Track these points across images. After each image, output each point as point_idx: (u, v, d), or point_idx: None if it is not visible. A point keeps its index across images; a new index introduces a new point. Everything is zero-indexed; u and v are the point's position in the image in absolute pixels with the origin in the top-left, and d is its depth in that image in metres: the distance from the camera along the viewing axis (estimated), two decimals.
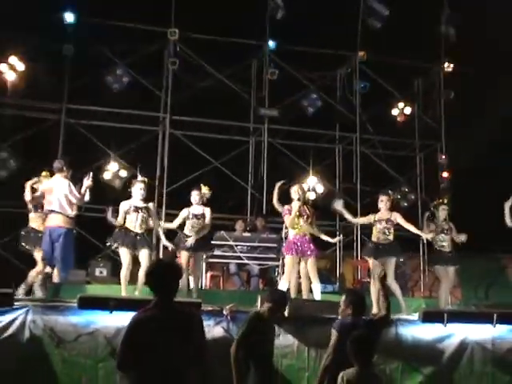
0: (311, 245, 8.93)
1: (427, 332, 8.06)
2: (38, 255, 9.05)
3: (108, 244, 8.94)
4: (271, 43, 14.00)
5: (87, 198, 8.99)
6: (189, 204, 9.45)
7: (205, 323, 7.23)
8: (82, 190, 8.82)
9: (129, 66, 13.31)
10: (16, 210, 10.31)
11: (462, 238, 9.80)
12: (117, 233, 8.63)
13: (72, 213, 8.87)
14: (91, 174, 8.84)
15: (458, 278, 10.56)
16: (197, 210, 9.41)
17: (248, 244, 11.17)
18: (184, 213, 9.43)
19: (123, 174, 12.79)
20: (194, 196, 9.41)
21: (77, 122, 13.09)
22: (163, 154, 13.37)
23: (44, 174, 8.94)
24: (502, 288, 11.42)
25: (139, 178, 9.23)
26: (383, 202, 9.43)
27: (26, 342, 6.99)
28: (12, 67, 12.18)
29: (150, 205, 8.93)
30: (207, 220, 9.36)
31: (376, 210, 9.47)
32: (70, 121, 13.01)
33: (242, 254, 11.00)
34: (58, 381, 7.00)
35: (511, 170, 13.49)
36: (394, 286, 9.07)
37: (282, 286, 8.86)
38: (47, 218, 8.85)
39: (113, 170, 12.77)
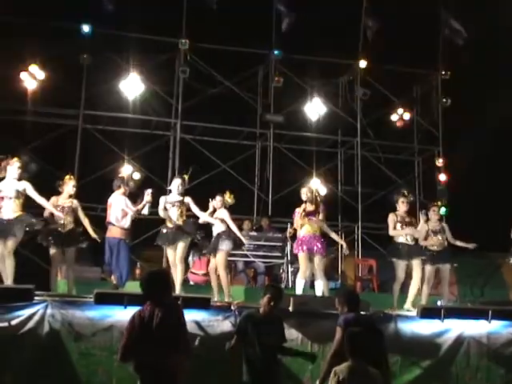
0: (319, 243, 8.92)
1: (425, 327, 8.06)
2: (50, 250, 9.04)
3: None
4: (276, 52, 14.01)
5: (145, 211, 9.12)
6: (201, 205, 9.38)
7: (214, 318, 7.41)
8: (140, 206, 9.03)
9: (142, 73, 13.35)
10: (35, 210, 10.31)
11: (471, 246, 9.73)
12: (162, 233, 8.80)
13: (127, 225, 9.12)
14: (151, 190, 8.90)
15: (454, 276, 10.56)
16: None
17: (254, 243, 11.20)
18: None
19: (136, 176, 12.81)
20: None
21: (93, 127, 13.14)
22: (174, 158, 13.41)
23: (68, 176, 9.00)
24: (497, 286, 11.41)
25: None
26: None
27: (45, 335, 7.02)
28: (32, 76, 12.21)
29: (187, 198, 8.97)
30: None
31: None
32: (87, 126, 13.07)
33: (248, 253, 11.02)
34: (75, 372, 7.02)
35: (508, 173, 13.51)
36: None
37: (299, 283, 8.86)
38: (107, 229, 9.17)
39: (127, 172, 12.80)
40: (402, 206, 9.26)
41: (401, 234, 9.16)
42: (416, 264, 9.08)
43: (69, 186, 8.86)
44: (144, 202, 8.97)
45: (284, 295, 6.30)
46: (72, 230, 8.78)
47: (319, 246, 8.91)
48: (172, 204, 8.84)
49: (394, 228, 9.21)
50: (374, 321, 6.52)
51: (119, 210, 9.12)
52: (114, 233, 9.14)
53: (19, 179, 8.27)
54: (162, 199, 8.94)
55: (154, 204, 8.99)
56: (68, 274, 8.78)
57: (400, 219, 9.19)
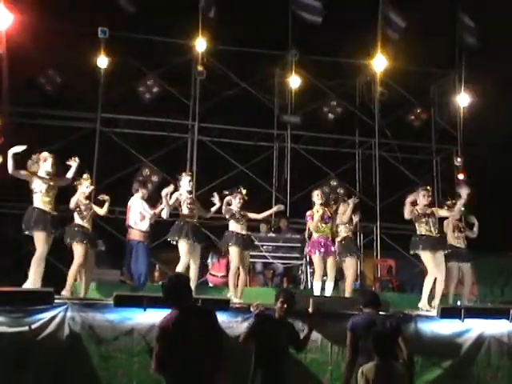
0: (332, 247, 8.94)
1: (445, 327, 8.00)
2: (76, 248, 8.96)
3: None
4: (293, 53, 13.98)
5: (164, 215, 9.06)
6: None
7: (233, 319, 7.41)
8: (157, 210, 9.13)
9: (159, 76, 13.39)
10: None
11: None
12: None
13: (145, 228, 9.21)
14: (170, 190, 8.89)
15: (474, 275, 10.47)
16: None
17: (273, 244, 11.20)
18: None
19: (155, 178, 12.86)
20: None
21: (111, 130, 13.21)
22: (192, 160, 13.43)
23: (85, 176, 9.00)
24: None
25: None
26: None
27: (66, 338, 7.04)
28: (50, 79, 12.29)
29: None
30: None
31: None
32: (105, 129, 13.13)
33: (267, 254, 11.02)
34: (95, 375, 7.04)
35: None
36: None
37: (316, 286, 8.85)
38: (127, 232, 9.35)
39: (145, 175, 12.85)
40: (422, 200, 9.14)
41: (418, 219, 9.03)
42: (440, 257, 8.88)
43: (83, 185, 8.81)
44: (162, 206, 9.00)
45: (296, 299, 6.31)
46: (93, 231, 8.83)
47: (333, 248, 8.92)
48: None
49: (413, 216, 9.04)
50: (397, 321, 6.48)
51: (137, 213, 9.21)
52: (132, 235, 9.23)
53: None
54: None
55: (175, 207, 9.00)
56: (87, 277, 8.79)
57: (421, 212, 9.06)
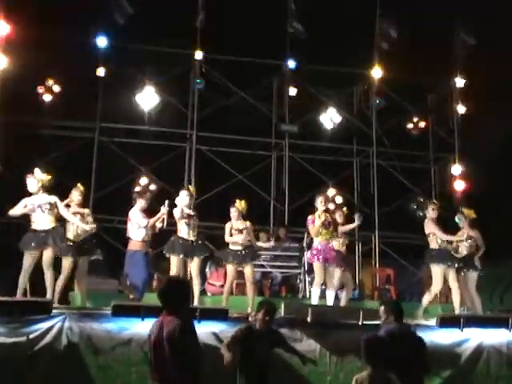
0: (333, 253, 8.92)
1: (444, 337, 7.99)
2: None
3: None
4: (291, 62, 13.99)
5: (159, 224, 9.16)
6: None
7: (231, 329, 7.35)
8: (153, 219, 9.10)
9: (157, 86, 13.39)
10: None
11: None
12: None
13: (141, 237, 9.13)
14: (167, 202, 8.89)
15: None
16: None
17: (271, 253, 11.17)
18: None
19: (153, 187, 12.81)
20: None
21: (109, 139, 13.18)
22: (190, 169, 13.41)
23: (79, 185, 9.08)
24: None
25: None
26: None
27: (63, 348, 7.03)
28: (49, 89, 12.27)
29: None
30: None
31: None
32: (103, 139, 13.11)
33: (265, 263, 10.99)
34: None
35: None
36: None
37: (314, 291, 8.83)
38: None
39: (143, 184, 12.80)
40: (432, 214, 9.25)
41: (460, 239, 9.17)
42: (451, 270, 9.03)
43: (74, 194, 8.97)
44: (159, 215, 8.98)
45: (277, 310, 6.45)
46: (84, 240, 8.82)
47: (334, 255, 8.90)
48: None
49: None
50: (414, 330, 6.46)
51: (133, 223, 9.20)
52: (131, 245, 9.24)
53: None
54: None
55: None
56: (80, 286, 8.80)
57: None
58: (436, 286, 9.04)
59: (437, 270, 9.01)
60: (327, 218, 9.09)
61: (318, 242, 8.99)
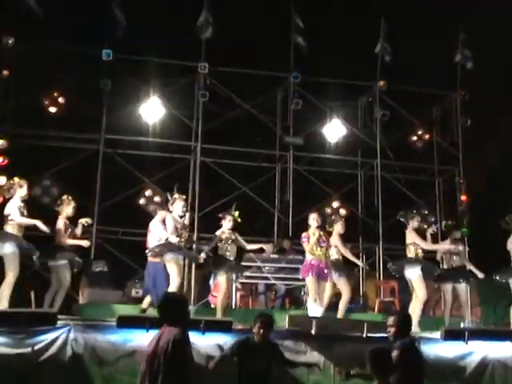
0: (327, 270, 8.97)
1: (449, 350, 7.97)
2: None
3: None
4: (295, 75, 14.06)
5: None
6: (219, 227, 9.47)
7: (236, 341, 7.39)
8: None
9: (162, 98, 13.47)
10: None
11: (480, 275, 9.81)
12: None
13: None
14: (189, 214, 9.00)
15: (477, 297, 10.45)
16: None
17: (275, 265, 11.19)
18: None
19: (157, 199, 12.86)
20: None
21: (114, 151, 13.24)
22: (195, 181, 13.44)
23: (66, 197, 9.14)
24: None
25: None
26: None
27: (68, 359, 7.05)
28: (54, 101, 12.34)
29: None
30: None
31: (399, 234, 9.43)
32: (108, 150, 13.17)
33: (269, 275, 11.01)
34: None
35: None
36: None
37: (311, 306, 8.84)
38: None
39: (147, 195, 12.86)
40: (416, 224, 9.37)
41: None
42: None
43: (69, 207, 8.98)
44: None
45: (273, 322, 6.43)
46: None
47: (327, 272, 8.95)
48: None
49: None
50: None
51: (156, 235, 9.23)
52: (152, 257, 9.25)
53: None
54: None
55: None
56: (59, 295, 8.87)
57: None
58: (420, 295, 9.10)
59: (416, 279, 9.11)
60: (321, 235, 9.13)
61: (311, 258, 9.03)
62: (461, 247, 10.20)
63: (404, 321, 5.90)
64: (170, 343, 4.67)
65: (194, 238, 12.06)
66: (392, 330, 5.81)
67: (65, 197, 9.18)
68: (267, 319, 6.28)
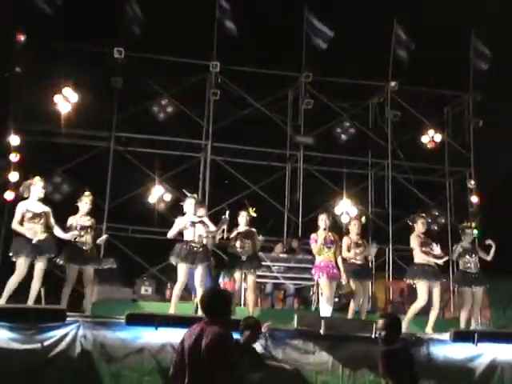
0: (335, 270, 8.94)
1: (458, 352, 7.94)
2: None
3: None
4: (306, 74, 14.05)
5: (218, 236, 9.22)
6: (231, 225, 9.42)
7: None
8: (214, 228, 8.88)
9: (173, 96, 13.51)
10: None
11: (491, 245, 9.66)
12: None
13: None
14: (228, 213, 8.89)
15: (486, 299, 10.39)
16: None
17: (284, 264, 11.19)
18: None
19: (167, 197, 12.89)
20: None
21: (124, 149, 13.30)
22: (205, 179, 13.48)
23: (87, 193, 9.02)
24: None
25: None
26: None
27: (77, 355, 7.07)
28: (66, 99, 12.40)
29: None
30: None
31: (409, 235, 9.36)
32: (119, 148, 13.23)
33: (278, 274, 11.02)
34: None
35: None
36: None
37: (323, 307, 8.81)
38: None
39: (158, 193, 12.88)
40: (420, 228, 9.24)
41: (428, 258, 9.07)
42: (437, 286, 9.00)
43: (82, 203, 8.75)
44: (219, 226, 8.92)
45: (259, 325, 6.37)
46: (92, 249, 8.76)
47: (336, 272, 8.92)
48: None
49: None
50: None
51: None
52: None
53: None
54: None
55: None
56: (86, 293, 8.74)
57: (423, 239, 9.17)
58: (420, 302, 8.92)
59: (421, 286, 8.94)
60: (329, 236, 9.09)
61: (320, 260, 9.00)
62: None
63: (392, 323, 5.80)
64: (217, 342, 4.43)
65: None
66: (383, 333, 5.65)
67: (87, 193, 9.10)
68: (254, 324, 6.24)
